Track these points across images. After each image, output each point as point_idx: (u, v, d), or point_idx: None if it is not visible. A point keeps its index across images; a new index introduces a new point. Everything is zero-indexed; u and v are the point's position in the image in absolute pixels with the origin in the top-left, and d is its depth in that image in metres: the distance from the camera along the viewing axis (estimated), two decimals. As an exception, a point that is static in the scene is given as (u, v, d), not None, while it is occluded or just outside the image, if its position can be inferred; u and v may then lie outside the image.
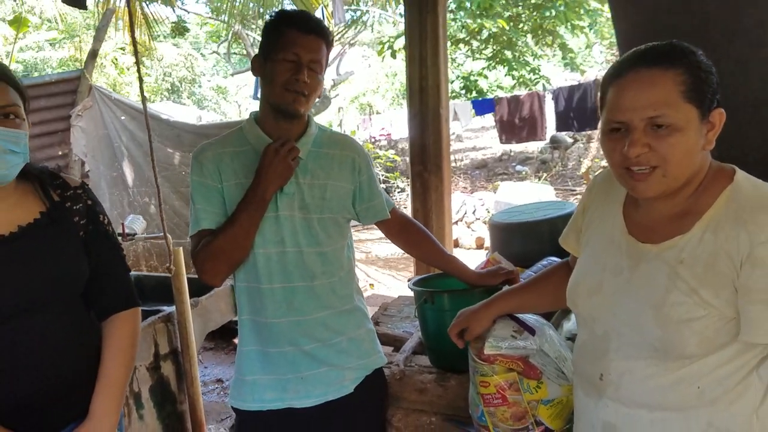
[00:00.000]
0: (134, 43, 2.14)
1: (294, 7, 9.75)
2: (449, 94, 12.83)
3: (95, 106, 5.26)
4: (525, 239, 2.46)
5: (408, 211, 3.23)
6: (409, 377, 1.85)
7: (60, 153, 5.35)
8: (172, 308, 2.97)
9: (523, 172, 13.11)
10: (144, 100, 2.42)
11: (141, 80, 2.22)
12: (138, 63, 2.12)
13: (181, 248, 2.96)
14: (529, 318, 1.50)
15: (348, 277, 1.69)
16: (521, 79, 13.10)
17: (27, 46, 14.78)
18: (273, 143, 1.52)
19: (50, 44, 17.24)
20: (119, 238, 3.18)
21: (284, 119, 1.59)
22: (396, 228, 1.81)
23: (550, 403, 1.43)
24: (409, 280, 2.01)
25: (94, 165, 5.37)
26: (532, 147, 14.14)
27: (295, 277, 1.58)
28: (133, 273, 3.92)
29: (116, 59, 14.67)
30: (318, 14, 7.30)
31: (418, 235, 1.84)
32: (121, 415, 1.43)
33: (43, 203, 1.34)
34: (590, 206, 1.29)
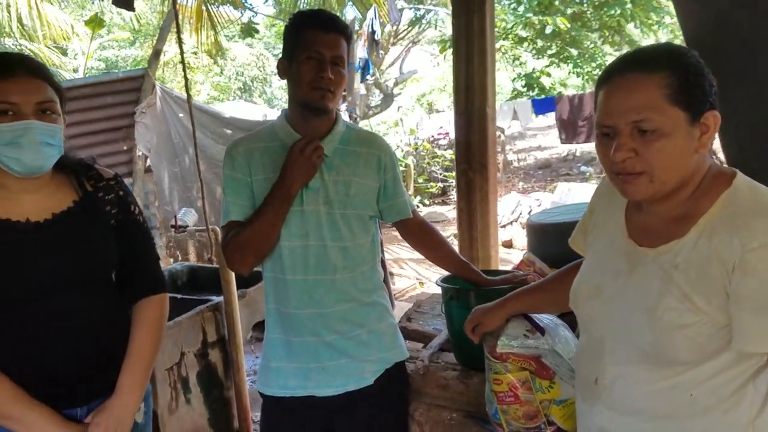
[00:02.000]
0: (180, 42, 2.26)
1: (354, 8, 9.88)
2: (511, 93, 12.65)
3: (158, 103, 5.52)
4: (561, 240, 2.43)
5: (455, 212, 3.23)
6: (433, 373, 1.87)
7: (125, 148, 5.65)
8: (221, 298, 3.10)
9: (587, 173, 12.76)
10: (189, 96, 2.54)
11: (186, 78, 2.34)
12: (183, 61, 2.23)
13: (228, 241, 3.07)
14: (544, 318, 1.50)
15: (370, 272, 1.73)
16: (588, 76, 12.78)
17: (107, 45, 15.57)
18: (298, 142, 1.58)
19: (129, 43, 18.11)
20: (172, 230, 3.36)
21: (312, 116, 1.65)
22: (414, 230, 1.85)
23: (563, 403, 1.42)
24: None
25: (157, 160, 5.63)
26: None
27: (317, 270, 1.64)
28: (187, 264, 4.11)
29: (189, 62, 15.27)
30: (371, 14, 7.36)
31: (434, 239, 1.87)
32: (147, 392, 1.53)
33: (77, 193, 1.45)
34: (597, 208, 1.29)
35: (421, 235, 1.86)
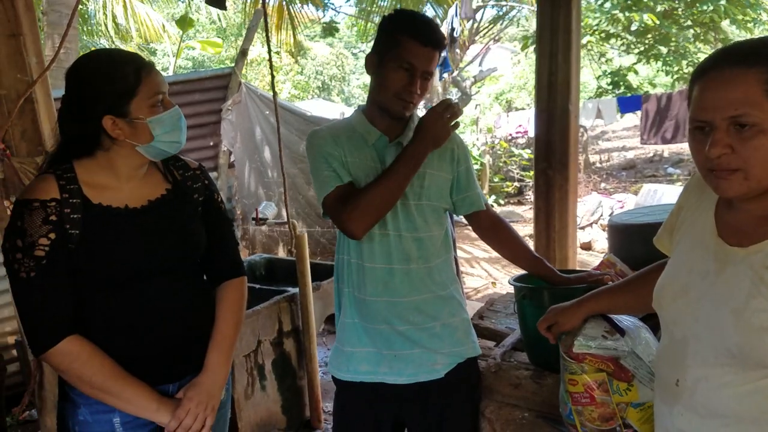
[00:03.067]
0: (268, 41, 2.33)
1: (432, 6, 9.85)
2: (595, 91, 12.23)
3: (243, 101, 5.71)
4: (646, 242, 2.33)
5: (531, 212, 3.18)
6: (505, 371, 1.85)
7: (211, 143, 5.86)
8: (296, 290, 3.19)
9: (675, 175, 12.18)
10: (275, 94, 2.62)
11: (272, 76, 2.41)
12: (270, 60, 2.30)
13: (305, 234, 3.15)
14: (625, 319, 1.45)
15: (444, 265, 1.73)
16: (678, 75, 12.20)
17: (193, 46, 16.25)
18: (436, 106, 1.60)
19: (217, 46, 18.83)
20: (253, 222, 3.48)
21: (391, 118, 1.67)
22: (487, 224, 1.83)
23: (641, 406, 1.37)
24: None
25: (240, 156, 5.83)
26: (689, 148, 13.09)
27: (393, 259, 1.65)
28: (265, 256, 4.23)
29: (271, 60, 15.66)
30: (452, 12, 7.32)
31: (508, 234, 1.84)
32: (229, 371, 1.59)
33: (168, 181, 1.52)
34: (685, 205, 1.23)
35: (494, 230, 1.84)
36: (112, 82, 1.33)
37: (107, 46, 9.71)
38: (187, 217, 1.51)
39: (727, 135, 0.98)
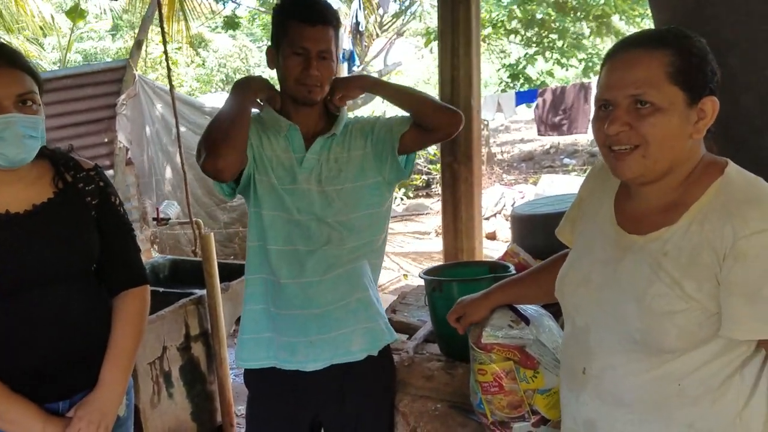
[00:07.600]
0: (163, 33, 2.22)
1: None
2: (498, 84, 12.56)
3: (139, 95, 5.45)
4: (547, 231, 2.43)
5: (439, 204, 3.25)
6: (418, 364, 1.87)
7: (105, 140, 5.59)
8: (203, 292, 3.07)
9: (570, 165, 12.84)
10: (171, 87, 2.50)
11: (169, 68, 2.31)
12: (165, 52, 2.20)
13: (212, 233, 3.05)
14: (529, 308, 1.50)
15: (370, 234, 1.71)
16: (574, 68, 12.75)
17: (86, 36, 15.24)
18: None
19: (110, 35, 17.82)
20: (154, 222, 3.31)
21: (303, 107, 1.66)
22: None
23: (547, 392, 1.43)
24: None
25: (138, 152, 5.57)
26: (583, 139, 13.85)
27: (310, 242, 1.62)
28: (169, 257, 4.06)
29: (171, 56, 15.02)
30: (355, 5, 7.30)
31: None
32: (129, 386, 1.51)
33: (57, 183, 1.42)
34: (585, 197, 1.28)
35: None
36: None
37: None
38: (76, 223, 1.42)
39: (626, 113, 1.02)
